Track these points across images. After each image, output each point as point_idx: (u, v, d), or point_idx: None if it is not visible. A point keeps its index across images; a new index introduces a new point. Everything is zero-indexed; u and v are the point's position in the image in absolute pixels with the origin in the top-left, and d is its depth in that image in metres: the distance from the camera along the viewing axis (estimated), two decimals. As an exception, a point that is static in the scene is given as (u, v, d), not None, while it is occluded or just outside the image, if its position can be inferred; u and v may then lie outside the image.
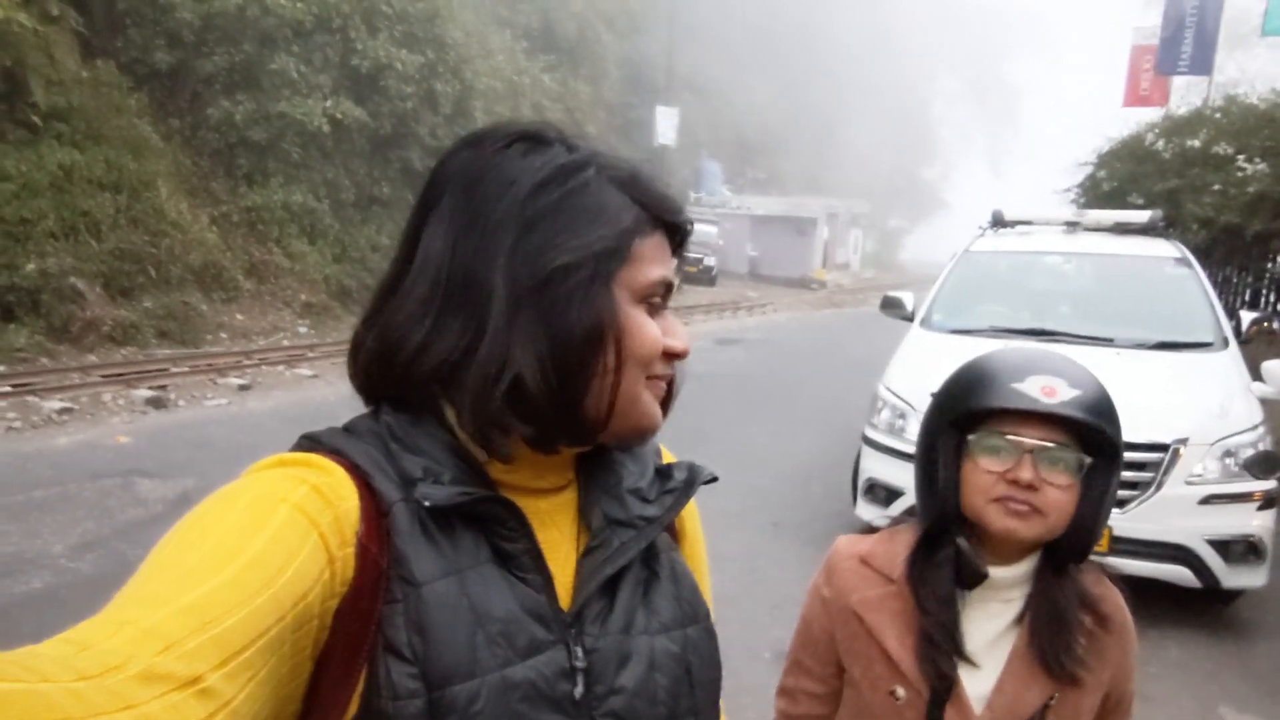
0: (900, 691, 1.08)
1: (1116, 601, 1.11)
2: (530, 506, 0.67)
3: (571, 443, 0.68)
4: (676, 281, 0.71)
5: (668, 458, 0.80)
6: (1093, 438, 1.03)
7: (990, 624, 1.08)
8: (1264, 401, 4.18)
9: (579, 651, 0.64)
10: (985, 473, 1.05)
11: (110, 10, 11.75)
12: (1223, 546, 3.73)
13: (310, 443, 0.65)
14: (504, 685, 0.60)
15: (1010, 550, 1.08)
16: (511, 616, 0.62)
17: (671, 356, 0.70)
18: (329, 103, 12.84)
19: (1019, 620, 1.08)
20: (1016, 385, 1.04)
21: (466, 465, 0.65)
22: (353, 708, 0.58)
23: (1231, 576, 3.76)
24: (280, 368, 9.66)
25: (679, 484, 0.74)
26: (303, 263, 12.76)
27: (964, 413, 1.07)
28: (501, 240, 0.64)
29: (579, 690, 0.63)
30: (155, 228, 10.54)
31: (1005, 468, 1.03)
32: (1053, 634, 1.05)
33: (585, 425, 0.66)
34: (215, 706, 0.47)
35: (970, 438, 1.07)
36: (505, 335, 0.63)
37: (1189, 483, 3.77)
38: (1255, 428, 3.91)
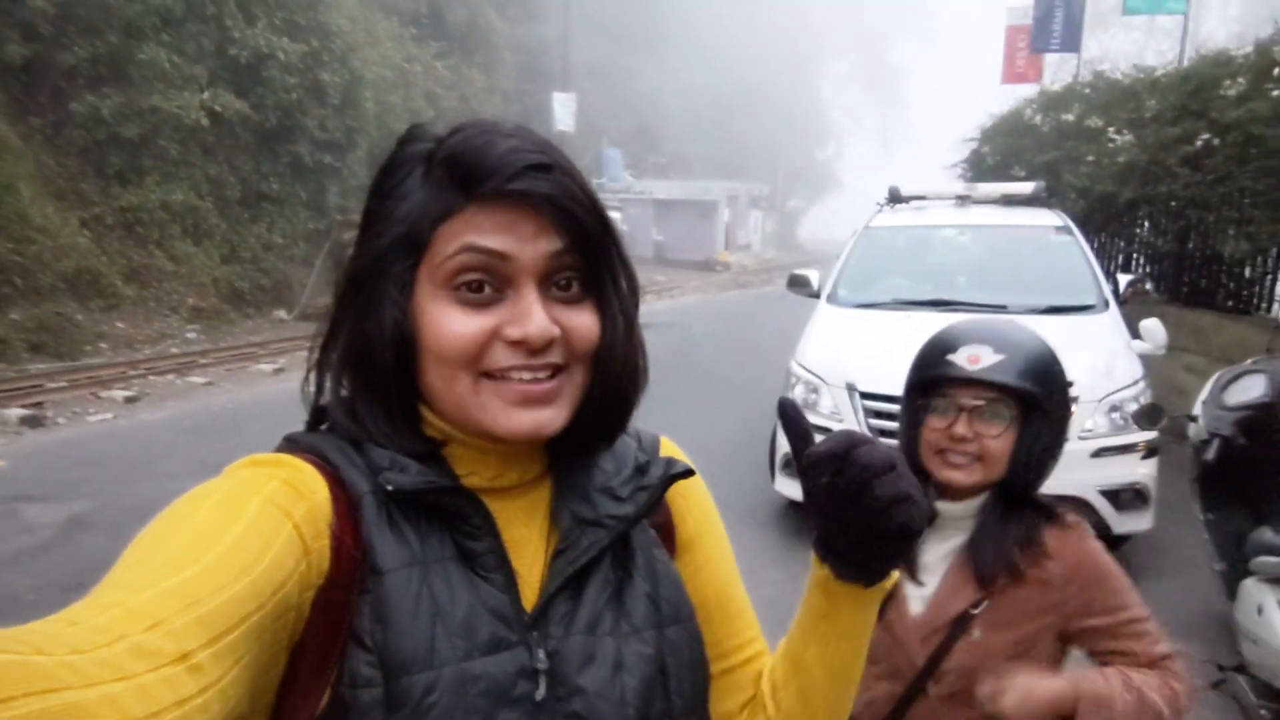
0: None
1: (1075, 549, 1.26)
2: (497, 505, 0.66)
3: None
4: (554, 247, 0.62)
5: (672, 452, 0.78)
6: (1025, 393, 1.25)
7: (941, 546, 1.32)
8: (1143, 357, 4.48)
9: (540, 653, 0.63)
10: (932, 430, 1.28)
11: (-49, -1, 10.76)
12: (1113, 495, 3.98)
13: (289, 444, 0.66)
14: (462, 678, 0.59)
15: (959, 492, 1.29)
16: (473, 612, 0.61)
17: (518, 345, 0.62)
18: (206, 95, 12.11)
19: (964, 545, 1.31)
20: (950, 356, 1.28)
21: (436, 463, 0.65)
22: (325, 697, 0.58)
23: (1121, 523, 4.02)
24: (170, 377, 9.12)
25: (653, 480, 0.72)
26: (188, 265, 12.04)
27: (915, 383, 1.32)
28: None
29: (540, 692, 0.62)
30: (19, 234, 9.74)
31: (946, 424, 1.27)
32: (981, 550, 1.26)
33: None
34: (206, 683, 0.46)
35: (919, 402, 1.31)
36: (328, 345, 0.67)
37: (1081, 438, 4.00)
38: (1136, 383, 4.18)
